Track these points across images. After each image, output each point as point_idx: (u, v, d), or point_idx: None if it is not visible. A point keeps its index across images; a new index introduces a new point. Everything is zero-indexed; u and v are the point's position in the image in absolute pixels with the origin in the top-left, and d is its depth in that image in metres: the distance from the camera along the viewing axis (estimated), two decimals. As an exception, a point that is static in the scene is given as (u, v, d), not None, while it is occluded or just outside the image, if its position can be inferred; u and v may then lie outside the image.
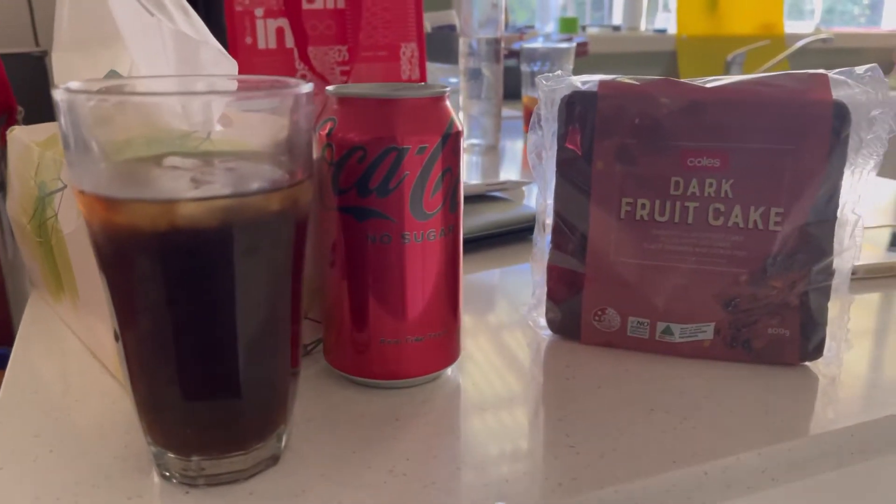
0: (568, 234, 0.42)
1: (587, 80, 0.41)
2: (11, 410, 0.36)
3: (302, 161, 0.28)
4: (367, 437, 0.33)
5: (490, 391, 0.38)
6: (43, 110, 1.26)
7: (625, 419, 0.35)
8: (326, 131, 0.34)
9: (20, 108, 0.90)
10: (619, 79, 0.40)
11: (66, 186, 0.39)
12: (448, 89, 0.36)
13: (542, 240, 0.43)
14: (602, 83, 0.40)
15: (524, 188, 0.78)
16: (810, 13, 2.47)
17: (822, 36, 2.21)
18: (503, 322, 0.47)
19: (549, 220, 0.43)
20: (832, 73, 0.38)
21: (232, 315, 0.27)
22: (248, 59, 0.97)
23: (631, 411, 0.36)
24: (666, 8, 2.38)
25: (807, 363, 0.40)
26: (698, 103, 0.38)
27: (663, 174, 0.39)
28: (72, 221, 0.38)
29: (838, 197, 0.38)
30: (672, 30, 2.24)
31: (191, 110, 0.29)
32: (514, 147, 1.10)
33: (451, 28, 1.67)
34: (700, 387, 0.38)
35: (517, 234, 0.63)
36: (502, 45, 1.04)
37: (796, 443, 0.33)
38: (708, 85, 0.39)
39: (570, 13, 2.42)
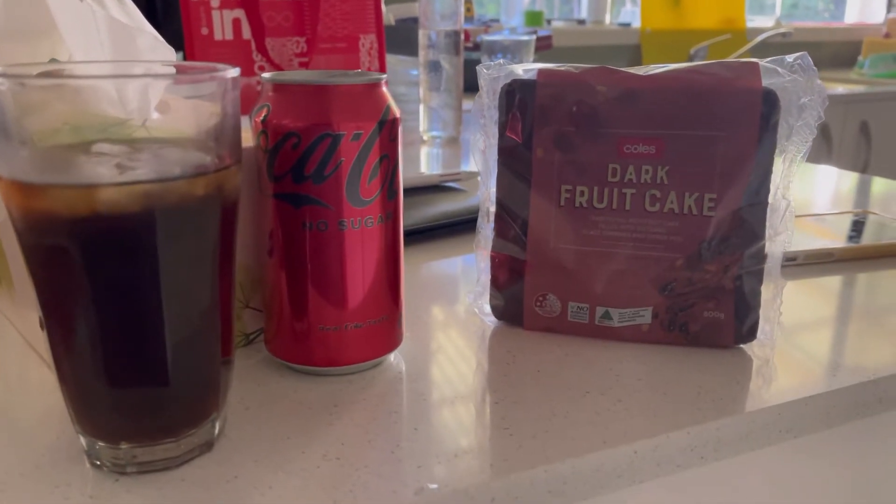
0: (510, 221, 0.42)
1: (528, 69, 0.41)
2: (-57, 402, 0.35)
3: (228, 146, 0.28)
4: (304, 424, 0.33)
5: (432, 377, 0.38)
6: None
7: (560, 402, 0.35)
8: (261, 118, 0.34)
9: None
10: (558, 67, 0.41)
11: (-1, 175, 0.39)
12: (384, 77, 0.36)
13: (486, 227, 0.44)
14: (541, 71, 0.40)
15: (478, 178, 0.79)
16: (771, 7, 2.51)
17: (782, 30, 2.25)
18: (451, 310, 0.47)
19: (493, 208, 0.43)
20: (763, 62, 0.38)
21: (157, 302, 0.27)
22: (204, 50, 0.96)
23: (567, 394, 0.36)
24: (632, 2, 2.40)
25: (741, 346, 0.41)
26: (634, 91, 0.39)
27: (601, 161, 0.40)
28: (2, 211, 0.38)
29: (769, 182, 0.39)
30: (636, 23, 2.26)
31: (126, 96, 0.29)
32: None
33: (415, 20, 1.66)
34: (636, 370, 0.39)
35: (470, 223, 0.64)
36: (462, 37, 1.05)
37: (725, 421, 0.34)
38: (644, 73, 0.39)
39: (539, 7, 2.43)
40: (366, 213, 0.35)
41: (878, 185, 0.83)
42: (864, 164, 1.93)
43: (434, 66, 1.03)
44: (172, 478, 0.29)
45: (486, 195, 0.43)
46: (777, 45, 2.35)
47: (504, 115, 0.41)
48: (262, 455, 0.31)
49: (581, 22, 2.33)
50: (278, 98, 0.34)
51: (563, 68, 0.40)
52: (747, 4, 2.39)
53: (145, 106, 0.29)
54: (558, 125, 0.40)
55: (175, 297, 0.27)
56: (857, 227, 0.61)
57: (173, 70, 0.32)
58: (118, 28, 0.38)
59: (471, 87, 1.28)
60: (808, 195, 0.77)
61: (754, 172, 0.38)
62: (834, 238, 0.58)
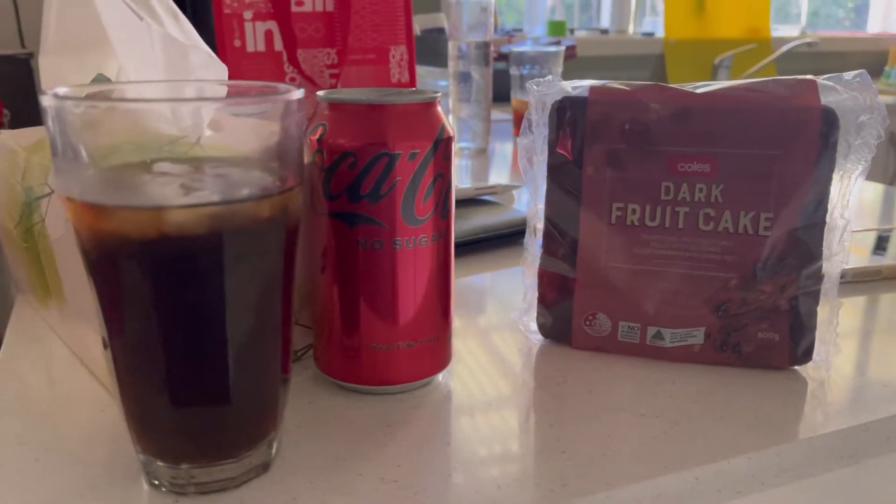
0: (559, 238, 0.42)
1: (578, 86, 0.41)
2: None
3: (293, 167, 0.28)
4: (358, 444, 0.33)
5: (481, 396, 0.38)
6: (29, 113, 1.25)
7: (615, 424, 0.35)
8: (317, 136, 0.34)
9: (6, 112, 0.89)
10: (609, 84, 0.40)
11: (52, 192, 0.39)
12: (439, 95, 0.36)
13: (533, 244, 0.43)
14: (593, 89, 0.40)
15: (514, 192, 0.78)
16: (796, 17, 2.49)
17: (808, 40, 2.23)
18: (494, 326, 0.47)
19: (540, 225, 0.43)
20: (821, 79, 0.38)
21: (221, 322, 0.27)
22: (236, 61, 0.97)
23: (621, 416, 0.36)
24: (654, 11, 2.39)
25: (796, 367, 0.40)
26: (687, 109, 0.38)
27: (653, 179, 0.39)
28: (59, 227, 0.38)
29: (827, 202, 0.38)
30: (660, 33, 2.25)
31: (180, 115, 0.29)
32: (503, 150, 1.10)
33: (440, 31, 1.67)
34: (690, 391, 0.38)
35: (507, 237, 0.63)
36: (492, 48, 1.05)
37: (786, 447, 0.33)
38: (697, 91, 0.39)
39: (559, 16, 2.43)
40: (420, 231, 0.35)
41: (918, 199, 0.82)
42: (892, 175, 1.90)
43: (464, 77, 1.03)
44: (231, 499, 0.29)
45: (533, 211, 0.43)
46: (803, 55, 2.33)
47: (554, 132, 0.41)
48: (318, 477, 0.31)
49: (604, 31, 2.32)
50: (335, 117, 0.34)
51: (615, 85, 0.40)
52: (772, 14, 2.37)
53: (198, 123, 0.29)
54: (610, 143, 0.39)
55: (239, 316, 0.27)
56: (881, 244, 0.60)
57: (239, 92, 0.32)
58: (172, 45, 0.38)
59: (498, 97, 1.28)
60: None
61: (812, 192, 0.38)
62: (859, 252, 0.57)
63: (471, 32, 1.02)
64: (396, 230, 0.35)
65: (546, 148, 0.41)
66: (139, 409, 0.28)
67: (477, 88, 1.03)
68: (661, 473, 0.31)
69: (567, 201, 0.41)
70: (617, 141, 0.39)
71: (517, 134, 0.42)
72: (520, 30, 2.15)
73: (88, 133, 0.26)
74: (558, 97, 0.41)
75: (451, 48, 1.05)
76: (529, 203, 0.43)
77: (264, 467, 0.31)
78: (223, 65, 0.40)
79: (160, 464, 0.29)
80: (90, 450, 0.33)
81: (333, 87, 1.01)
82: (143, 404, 0.28)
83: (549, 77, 0.42)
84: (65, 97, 0.26)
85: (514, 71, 1.13)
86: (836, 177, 0.38)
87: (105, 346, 0.28)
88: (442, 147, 0.35)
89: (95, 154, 0.27)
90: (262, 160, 0.28)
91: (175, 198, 0.26)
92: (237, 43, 0.96)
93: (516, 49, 1.13)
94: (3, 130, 0.49)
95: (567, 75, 1.48)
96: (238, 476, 0.30)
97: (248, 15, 0.97)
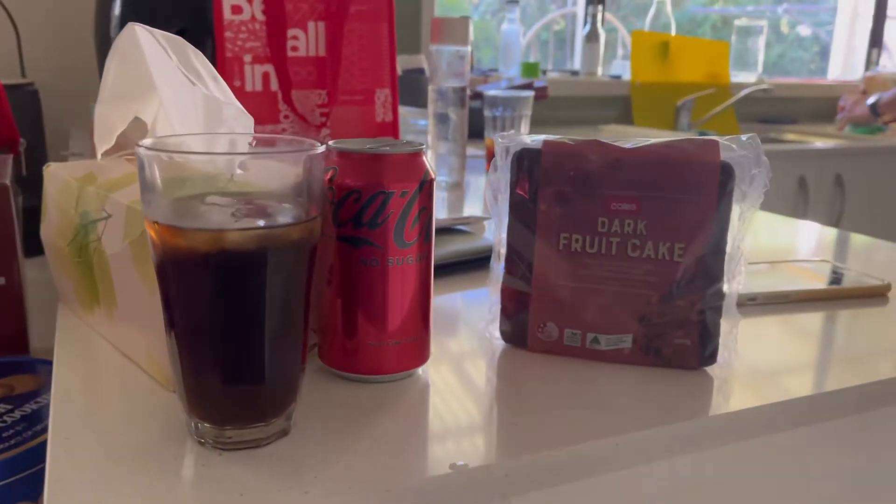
0: (518, 261, 0.52)
1: (535, 139, 0.51)
2: (65, 398, 0.44)
3: (316, 201, 0.38)
4: (356, 418, 0.42)
5: (453, 386, 0.47)
6: (36, 142, 1.33)
7: (558, 406, 0.44)
8: (329, 177, 0.44)
9: (22, 140, 0.98)
10: (559, 139, 0.51)
11: (109, 216, 0.48)
12: (424, 146, 0.46)
13: (498, 266, 0.53)
14: (546, 142, 0.50)
15: (485, 223, 0.89)
16: (754, 65, 2.66)
17: (764, 86, 2.39)
18: (464, 334, 0.56)
19: (503, 250, 0.53)
20: (722, 139, 0.49)
21: (262, 318, 0.36)
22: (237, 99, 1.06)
23: (564, 401, 0.45)
24: (624, 56, 2.54)
25: (705, 367, 0.50)
26: (620, 160, 0.49)
27: (592, 215, 0.49)
28: (116, 244, 0.47)
29: (726, 235, 0.48)
30: (626, 76, 2.40)
31: (219, 160, 0.38)
32: (477, 183, 1.20)
33: (421, 71, 1.78)
34: (619, 384, 0.48)
35: (477, 262, 0.73)
36: (467, 92, 1.15)
37: (690, 423, 0.43)
38: (628, 146, 0.49)
39: (534, 56, 2.57)
40: (407, 252, 0.45)
41: (837, 235, 0.93)
42: (838, 216, 2.04)
43: (442, 118, 1.14)
44: (262, 454, 0.38)
45: (498, 239, 0.53)
46: (759, 100, 2.49)
47: (515, 176, 0.51)
48: (325, 440, 0.40)
49: (574, 73, 2.46)
50: (343, 162, 0.44)
51: (563, 140, 0.50)
52: (732, 61, 2.53)
53: (231, 164, 0.39)
54: (559, 185, 0.50)
55: (274, 314, 0.37)
56: (836, 278, 0.71)
57: (268, 143, 0.42)
58: (211, 101, 0.48)
59: (473, 133, 1.39)
60: (786, 244, 0.87)
61: (715, 227, 0.48)
62: (817, 279, 0.68)
63: (449, 78, 1.13)
64: (389, 251, 0.44)
65: (508, 188, 0.52)
66: (194, 383, 0.37)
67: (454, 128, 1.14)
68: (589, 439, 0.41)
69: (525, 232, 0.51)
70: (565, 184, 0.50)
71: (489, 169, 0.53)
72: (495, 70, 2.27)
73: (164, 173, 0.36)
74: (518, 148, 0.51)
75: (431, 91, 1.15)
76: (495, 233, 0.53)
77: (285, 432, 0.40)
78: (251, 117, 0.50)
79: (207, 426, 0.38)
80: (146, 422, 0.41)
81: (323, 125, 1.11)
82: (197, 379, 0.37)
83: (512, 131, 0.52)
84: (150, 149, 0.35)
85: (487, 112, 1.24)
86: (734, 216, 0.48)
87: (168, 334, 0.38)
88: (426, 187, 0.45)
89: (166, 188, 0.36)
90: (293, 195, 0.38)
91: (232, 223, 0.36)
92: (237, 83, 1.07)
93: (489, 92, 1.24)
94: (52, 164, 0.58)
95: (538, 114, 1.60)
96: (266, 437, 0.39)
97: (247, 58, 1.07)
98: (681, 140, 0.49)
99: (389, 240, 0.44)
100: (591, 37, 2.39)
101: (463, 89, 1.14)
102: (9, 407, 0.59)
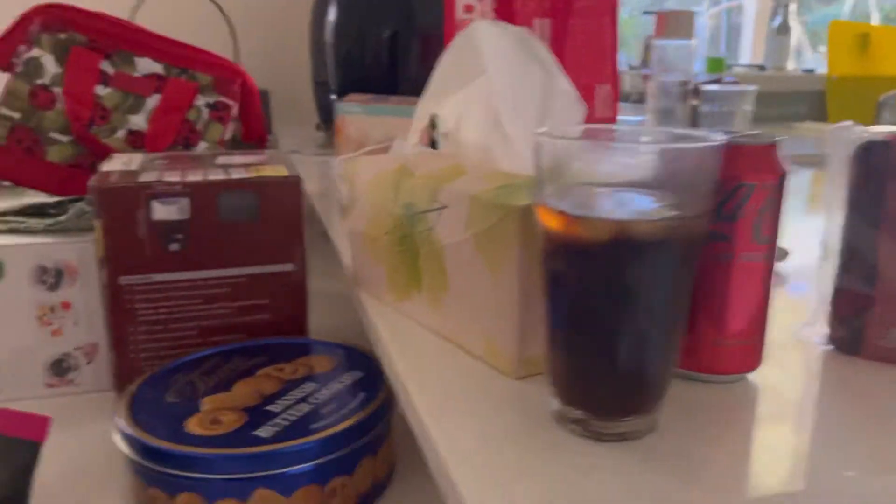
0: (858, 262, 0.48)
1: (878, 131, 0.48)
2: (411, 380, 0.46)
3: (713, 194, 0.37)
4: (712, 418, 0.41)
5: (789, 396, 0.45)
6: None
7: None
8: (684, 169, 0.43)
9: (269, 137, 1.05)
10: (908, 131, 0.47)
11: (444, 207, 0.49)
12: (777, 138, 0.44)
13: (826, 265, 0.50)
14: (892, 134, 0.47)
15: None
16: (970, 54, 2.40)
17: (985, 77, 2.16)
18: (774, 334, 0.53)
19: (835, 248, 0.49)
20: None
21: (660, 312, 0.36)
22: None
23: (934, 413, 0.42)
24: (814, 49, 2.38)
25: None
26: None
27: (954, 213, 0.45)
28: (455, 234, 0.48)
29: None
30: (819, 69, 2.24)
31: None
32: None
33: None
34: None
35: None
36: (691, 86, 1.12)
37: None
38: None
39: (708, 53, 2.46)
40: (760, 249, 0.43)
41: None
42: None
43: (665, 113, 1.11)
44: (641, 446, 0.38)
45: (828, 236, 0.50)
46: (976, 93, 2.25)
47: (858, 170, 0.48)
48: (690, 433, 0.39)
49: (761, 68, 2.33)
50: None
51: (914, 132, 0.47)
52: (942, 51, 2.31)
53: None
54: (910, 181, 0.46)
55: (669, 307, 0.36)
56: None
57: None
58: (558, 94, 0.48)
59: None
60: None
61: None
62: None
63: (674, 72, 1.10)
64: (743, 246, 0.43)
65: (842, 182, 0.48)
66: (581, 373, 0.38)
67: (679, 123, 1.11)
68: None
69: (867, 229, 0.48)
70: (917, 179, 0.46)
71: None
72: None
73: (560, 160, 0.36)
74: (862, 140, 0.48)
75: (652, 86, 1.13)
76: (823, 228, 0.50)
77: (655, 426, 0.39)
78: (581, 107, 0.50)
79: (585, 416, 0.38)
80: (503, 407, 0.42)
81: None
82: (584, 369, 0.37)
83: (848, 123, 0.49)
84: (552, 136, 0.36)
85: (705, 108, 1.20)
86: None
87: (549, 324, 0.38)
88: (784, 181, 0.43)
89: (564, 176, 0.37)
90: (694, 188, 0.36)
91: (629, 213, 0.35)
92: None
93: (709, 87, 1.20)
94: (357, 157, 0.61)
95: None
96: (641, 430, 0.38)
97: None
98: None
99: (745, 235, 0.42)
100: (782, 30, 2.26)
101: (686, 83, 1.11)
102: (316, 385, 0.62)
